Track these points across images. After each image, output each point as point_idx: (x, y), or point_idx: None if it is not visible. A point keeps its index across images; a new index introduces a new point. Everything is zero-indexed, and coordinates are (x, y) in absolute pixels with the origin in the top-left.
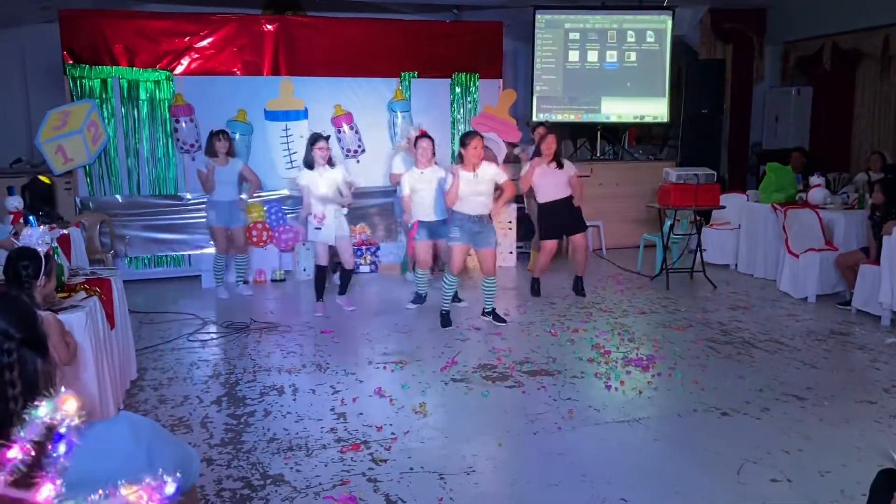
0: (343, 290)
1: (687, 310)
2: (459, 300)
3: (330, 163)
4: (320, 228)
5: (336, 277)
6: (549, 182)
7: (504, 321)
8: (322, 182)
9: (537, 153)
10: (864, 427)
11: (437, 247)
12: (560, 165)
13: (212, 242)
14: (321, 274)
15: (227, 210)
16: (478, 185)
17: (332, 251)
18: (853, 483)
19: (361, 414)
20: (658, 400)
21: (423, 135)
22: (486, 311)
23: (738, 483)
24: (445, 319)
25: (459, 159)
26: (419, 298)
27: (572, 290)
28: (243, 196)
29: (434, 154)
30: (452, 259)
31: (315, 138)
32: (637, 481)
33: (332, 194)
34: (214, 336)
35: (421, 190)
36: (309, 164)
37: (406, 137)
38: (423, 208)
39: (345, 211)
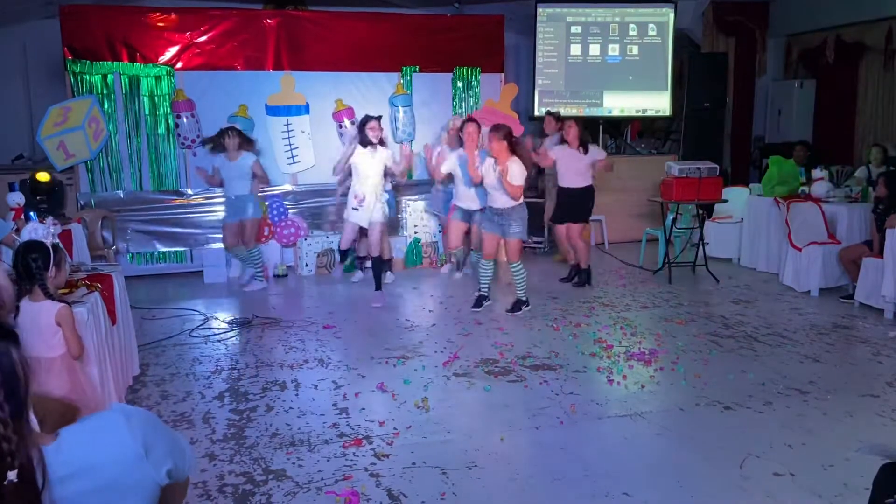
0: (378, 284)
1: (689, 304)
2: (460, 269)
3: (382, 143)
4: (358, 210)
5: (358, 276)
6: (572, 168)
7: (519, 309)
8: (371, 161)
9: (563, 141)
10: (868, 421)
11: (472, 231)
12: (586, 150)
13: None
14: (344, 255)
15: (234, 205)
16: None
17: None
18: (857, 476)
19: (364, 409)
20: (660, 394)
21: (470, 119)
22: (519, 298)
23: (740, 477)
24: (478, 302)
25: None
26: (460, 265)
27: (567, 279)
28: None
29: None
30: (484, 247)
31: (366, 119)
32: (640, 476)
33: (376, 175)
34: (217, 332)
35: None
36: (364, 143)
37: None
38: (465, 193)
39: (386, 197)
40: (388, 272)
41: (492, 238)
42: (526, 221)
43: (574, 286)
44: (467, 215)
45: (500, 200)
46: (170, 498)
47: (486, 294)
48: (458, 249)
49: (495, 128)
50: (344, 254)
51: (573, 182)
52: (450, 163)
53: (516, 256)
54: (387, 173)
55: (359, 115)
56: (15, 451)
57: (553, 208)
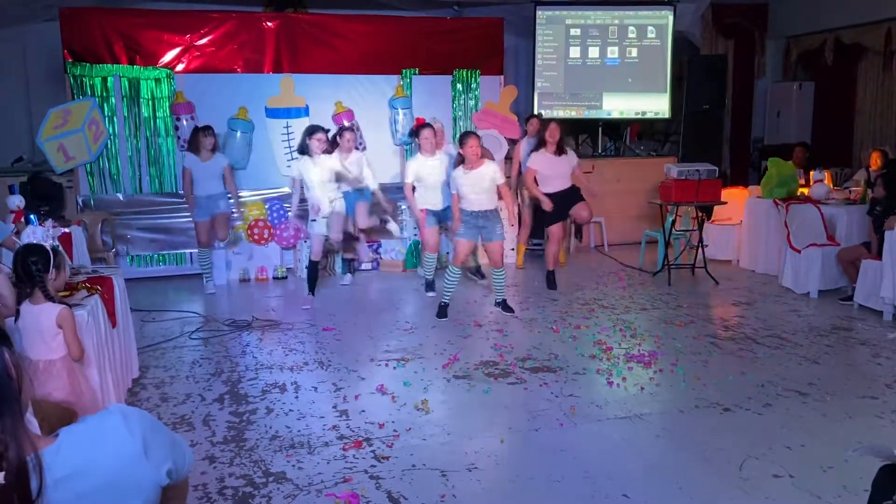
0: (311, 287)
1: (689, 306)
2: (483, 276)
3: (328, 151)
4: (316, 220)
5: (347, 279)
6: (554, 173)
7: (511, 311)
8: (316, 170)
9: (541, 144)
10: (867, 422)
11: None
12: (563, 152)
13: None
14: (314, 269)
15: (207, 204)
16: (480, 183)
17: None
18: (856, 478)
19: (363, 411)
20: (660, 396)
21: (424, 124)
22: (497, 301)
23: (740, 478)
24: (442, 311)
25: (460, 159)
26: (430, 286)
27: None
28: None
29: (440, 141)
30: (456, 252)
31: (313, 129)
32: (639, 477)
33: (327, 180)
34: (216, 334)
35: (428, 177)
36: (303, 151)
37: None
38: (431, 196)
39: (339, 195)
40: (349, 274)
41: (468, 244)
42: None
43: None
44: (437, 217)
45: (486, 202)
46: (171, 499)
47: (449, 302)
48: (436, 255)
49: (469, 134)
50: (315, 265)
51: (560, 186)
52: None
53: (502, 260)
54: (338, 179)
55: (359, 118)
56: (3, 452)
57: (542, 215)
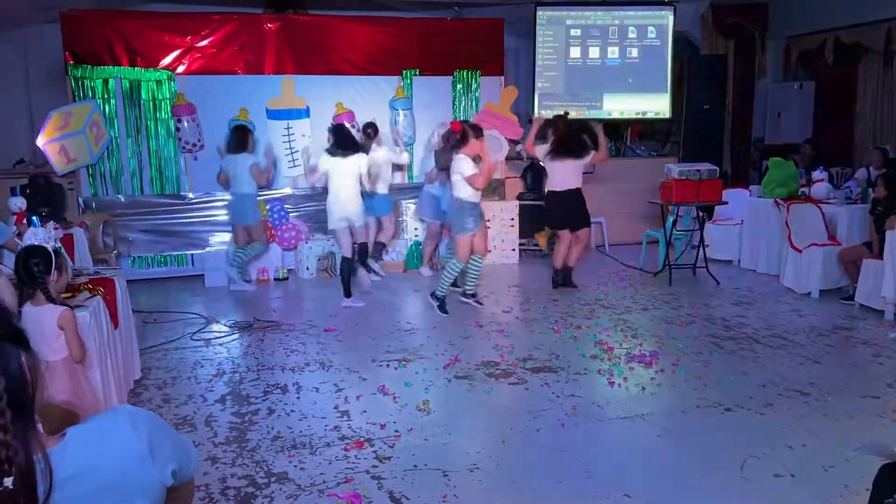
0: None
1: (690, 306)
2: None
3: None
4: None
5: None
6: (561, 169)
7: (481, 304)
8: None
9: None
10: (868, 422)
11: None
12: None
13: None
14: (350, 265)
15: (243, 205)
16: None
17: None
18: (857, 478)
19: (365, 412)
20: (661, 396)
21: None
22: (467, 292)
23: (741, 478)
24: (443, 306)
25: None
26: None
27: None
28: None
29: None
30: (481, 242)
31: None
32: (641, 477)
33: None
34: (218, 335)
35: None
36: (355, 147)
37: (438, 135)
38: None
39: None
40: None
41: (471, 239)
42: None
43: (558, 288)
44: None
45: (479, 195)
46: (176, 500)
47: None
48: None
49: (481, 130)
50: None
51: (565, 184)
52: None
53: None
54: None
55: (359, 119)
56: (12, 456)
57: (552, 213)
